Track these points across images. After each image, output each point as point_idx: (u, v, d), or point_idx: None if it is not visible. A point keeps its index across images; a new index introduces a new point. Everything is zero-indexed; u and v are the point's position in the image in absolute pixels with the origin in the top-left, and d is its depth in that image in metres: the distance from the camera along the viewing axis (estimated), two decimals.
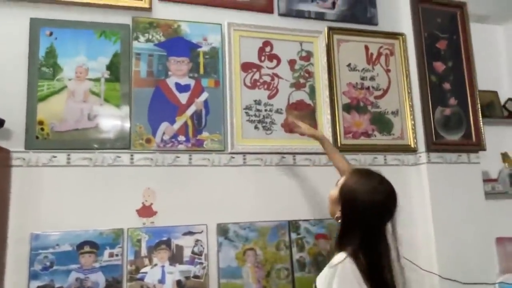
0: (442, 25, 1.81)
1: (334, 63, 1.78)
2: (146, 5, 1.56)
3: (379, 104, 1.90)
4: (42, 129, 1.31)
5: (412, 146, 1.71)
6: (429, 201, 1.57)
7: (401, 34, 2.04)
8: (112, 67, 1.46)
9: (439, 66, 1.81)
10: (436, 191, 1.58)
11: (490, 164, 1.81)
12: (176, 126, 1.48)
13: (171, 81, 1.54)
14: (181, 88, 1.62)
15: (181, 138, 1.48)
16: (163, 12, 1.55)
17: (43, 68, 1.36)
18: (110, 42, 1.47)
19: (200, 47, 1.62)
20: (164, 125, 1.48)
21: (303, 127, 1.35)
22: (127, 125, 1.42)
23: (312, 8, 1.94)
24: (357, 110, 1.74)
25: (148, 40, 1.54)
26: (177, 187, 1.38)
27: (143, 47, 1.53)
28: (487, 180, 1.76)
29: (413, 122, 1.74)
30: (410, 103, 1.78)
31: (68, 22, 1.41)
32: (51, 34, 1.42)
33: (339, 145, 1.66)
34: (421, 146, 1.68)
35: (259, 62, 1.68)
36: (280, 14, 1.80)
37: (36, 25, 1.39)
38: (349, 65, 1.92)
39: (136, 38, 1.52)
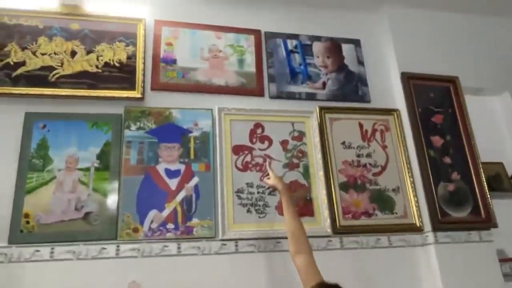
0: (435, 99, 1.98)
1: (327, 141, 1.93)
2: (139, 95, 1.80)
3: (378, 181, 2.03)
4: (28, 222, 1.40)
5: (418, 225, 1.74)
6: (441, 286, 1.56)
7: (395, 110, 2.29)
8: (103, 156, 1.60)
9: (437, 140, 1.93)
10: (448, 274, 1.56)
11: (505, 242, 1.77)
12: (165, 213, 1.59)
13: (161, 167, 1.71)
14: (171, 173, 1.81)
15: (170, 225, 1.57)
16: (155, 101, 1.76)
17: (33, 160, 1.49)
18: (101, 132, 1.64)
19: (191, 132, 1.83)
20: (152, 213, 1.58)
21: (271, 177, 1.49)
22: (114, 214, 1.52)
23: (303, 89, 2.23)
24: (355, 189, 1.82)
25: (139, 128, 1.75)
26: (164, 279, 1.40)
27: (134, 135, 1.72)
28: (503, 259, 1.71)
29: (416, 199, 1.79)
30: (410, 179, 1.86)
31: (61, 115, 1.58)
32: (44, 126, 1.60)
33: (337, 226, 1.72)
34: (427, 225, 1.70)
35: (250, 144, 1.86)
36: (271, 97, 1.97)
37: (30, 119, 1.57)
38: (343, 143, 2.12)
39: (128, 127, 1.71)
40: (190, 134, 1.79)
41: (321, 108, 1.99)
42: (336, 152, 1.90)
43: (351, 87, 2.27)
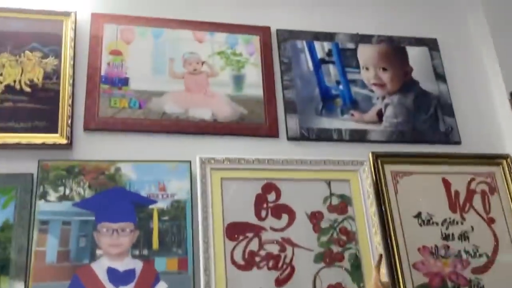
0: None
1: (390, 213, 1.91)
2: (63, 140, 1.79)
3: (482, 282, 1.90)
4: None
5: None
6: None
7: (505, 157, 2.25)
8: None
9: None
10: None
11: None
12: None
13: (100, 266, 1.63)
14: (118, 277, 1.66)
15: None
16: (91, 149, 1.81)
17: None
18: None
19: (154, 202, 1.79)
20: None
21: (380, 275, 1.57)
22: None
23: (344, 124, 2.21)
24: None
25: (63, 198, 1.71)
26: None
27: (54, 209, 1.68)
28: None
29: None
30: None
31: None
32: None
33: None
34: None
35: (257, 221, 1.83)
36: (291, 138, 2.04)
37: None
38: (418, 215, 2.01)
39: (43, 196, 1.68)
40: (153, 206, 1.79)
41: (376, 156, 2.01)
42: (407, 231, 1.90)
43: (426, 119, 2.22)
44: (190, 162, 1.86)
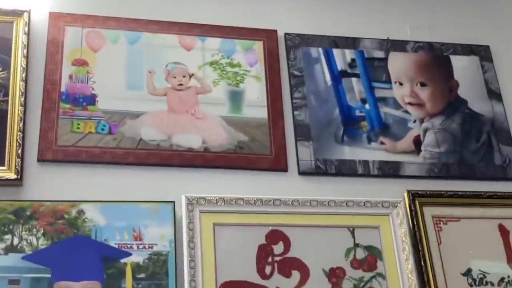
0: None
1: (430, 269, 1.92)
2: (11, 175, 1.82)
3: None
4: None
5: None
6: None
7: None
8: None
9: None
10: None
11: None
12: None
13: None
14: None
15: None
16: (47, 186, 1.84)
17: None
18: None
19: (128, 254, 1.80)
20: None
21: None
22: None
23: (371, 154, 2.24)
24: None
25: (10, 249, 1.73)
26: None
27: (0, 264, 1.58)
28: None
29: None
30: None
31: None
32: None
33: None
34: None
35: (260, 279, 1.84)
36: (304, 173, 2.09)
37: None
38: (467, 272, 2.02)
39: None
40: (125, 260, 1.79)
41: (413, 195, 2.04)
42: None
43: (476, 148, 2.27)
44: (174, 202, 1.88)
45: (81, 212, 1.91)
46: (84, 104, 2.09)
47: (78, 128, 2.06)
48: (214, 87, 2.21)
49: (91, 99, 2.10)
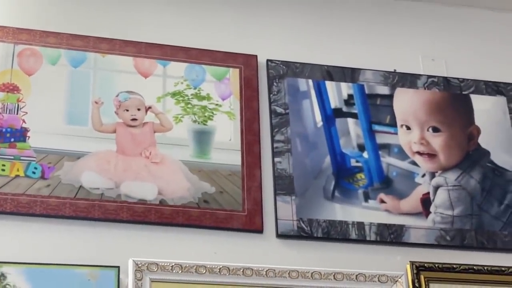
0: None
1: None
2: None
3: None
4: None
5: None
6: None
7: None
8: None
9: None
10: None
11: None
12: None
13: None
14: None
15: None
16: None
17: None
18: None
19: None
20: None
21: None
22: None
23: (368, 215, 2.28)
24: None
25: None
26: None
27: None
28: None
29: None
30: None
31: None
32: None
33: None
34: None
35: None
36: (282, 235, 2.13)
37: None
38: None
39: None
40: None
41: (418, 269, 2.09)
42: None
43: (499, 212, 2.33)
44: (118, 268, 1.91)
45: (1, 277, 1.91)
46: (12, 140, 2.11)
47: (3, 170, 2.07)
48: (176, 124, 2.25)
49: (21, 135, 2.13)
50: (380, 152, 2.32)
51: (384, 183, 2.28)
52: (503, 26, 2.61)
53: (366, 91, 2.37)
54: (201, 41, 2.32)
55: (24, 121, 2.13)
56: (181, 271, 2.00)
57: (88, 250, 2.02)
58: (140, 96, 2.24)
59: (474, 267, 2.18)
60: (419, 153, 2.35)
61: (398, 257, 2.16)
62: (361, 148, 2.31)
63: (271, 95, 2.32)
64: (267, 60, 2.35)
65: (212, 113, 2.27)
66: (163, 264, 1.98)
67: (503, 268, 2.20)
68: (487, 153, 2.39)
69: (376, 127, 2.33)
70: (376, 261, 2.14)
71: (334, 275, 2.07)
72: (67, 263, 1.95)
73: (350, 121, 2.34)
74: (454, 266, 2.17)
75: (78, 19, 2.25)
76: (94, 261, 1.97)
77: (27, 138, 2.12)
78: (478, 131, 2.42)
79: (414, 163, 2.33)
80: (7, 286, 1.88)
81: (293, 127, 2.29)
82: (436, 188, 2.31)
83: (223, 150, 2.23)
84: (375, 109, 2.36)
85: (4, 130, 2.10)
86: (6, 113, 2.12)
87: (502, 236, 2.27)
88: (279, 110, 2.30)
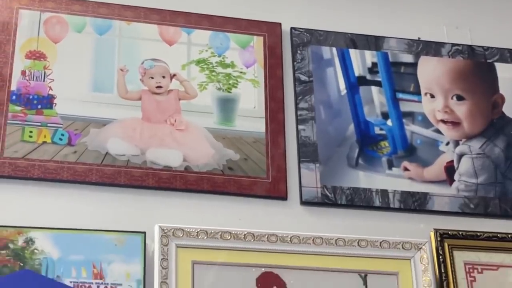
0: None
1: None
2: None
3: None
4: None
5: None
6: None
7: None
8: None
9: None
10: None
11: None
12: None
13: None
14: None
15: None
16: None
17: None
18: None
19: None
20: None
21: None
22: None
23: (391, 183, 2.27)
24: None
25: None
26: None
27: None
28: None
29: None
30: None
31: None
32: None
33: None
34: None
35: None
36: (306, 202, 2.13)
37: None
38: None
39: None
40: None
41: (442, 236, 2.08)
42: None
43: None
44: (144, 233, 1.92)
45: (29, 241, 1.93)
46: (39, 107, 2.11)
47: (31, 136, 2.07)
48: (201, 92, 2.25)
49: (48, 102, 2.13)
50: (404, 120, 2.31)
51: (408, 151, 2.28)
52: None
53: (390, 59, 2.36)
54: (225, 9, 2.29)
55: (50, 88, 2.14)
56: (206, 237, 2.00)
57: (115, 216, 2.03)
58: (165, 64, 2.23)
59: (498, 235, 2.18)
60: (443, 121, 2.34)
61: (421, 224, 2.15)
62: (385, 116, 2.31)
63: (295, 63, 2.31)
64: (291, 28, 2.34)
65: (237, 80, 2.26)
66: (188, 230, 1.98)
67: None
68: (511, 121, 2.36)
69: (400, 95, 2.32)
70: (399, 229, 2.14)
71: (358, 242, 2.07)
72: (93, 228, 1.96)
73: (374, 89, 2.32)
74: (478, 233, 2.17)
75: None
76: (121, 227, 1.98)
77: (54, 105, 2.12)
78: (502, 99, 2.41)
79: (438, 131, 2.32)
80: (35, 250, 1.88)
81: (317, 95, 2.29)
82: (460, 156, 2.31)
83: (247, 117, 2.22)
84: (399, 77, 2.35)
85: (31, 97, 2.10)
86: (33, 80, 2.12)
87: None
88: (303, 78, 2.29)
